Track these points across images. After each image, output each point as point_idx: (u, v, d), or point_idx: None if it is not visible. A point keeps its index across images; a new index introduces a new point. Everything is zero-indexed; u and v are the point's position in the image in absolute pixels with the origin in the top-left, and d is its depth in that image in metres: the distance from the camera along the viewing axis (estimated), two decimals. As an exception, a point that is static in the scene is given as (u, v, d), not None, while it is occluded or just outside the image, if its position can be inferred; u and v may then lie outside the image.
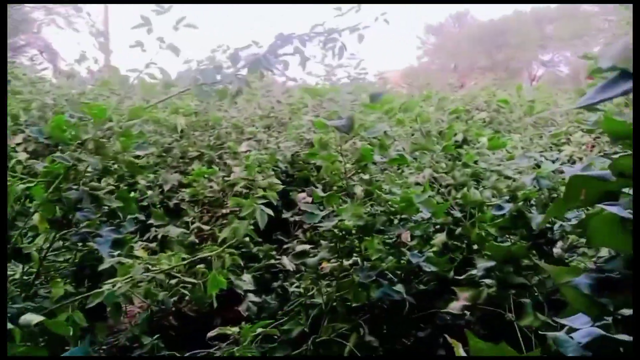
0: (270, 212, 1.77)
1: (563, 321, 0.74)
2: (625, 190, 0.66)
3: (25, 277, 2.04)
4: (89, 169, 2.11)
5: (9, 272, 2.07)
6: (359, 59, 7.58)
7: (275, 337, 1.91)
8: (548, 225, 1.58)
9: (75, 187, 2.03)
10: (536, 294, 1.61)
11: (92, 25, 10.48)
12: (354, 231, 1.85)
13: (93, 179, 2.15)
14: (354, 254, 1.94)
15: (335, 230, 1.84)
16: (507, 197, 2.19)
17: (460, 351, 0.65)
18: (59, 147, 2.81)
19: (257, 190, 1.88)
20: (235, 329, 1.27)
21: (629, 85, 0.61)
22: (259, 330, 1.28)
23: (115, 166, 2.30)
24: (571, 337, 0.69)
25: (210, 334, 1.42)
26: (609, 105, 1.51)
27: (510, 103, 4.09)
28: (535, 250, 1.61)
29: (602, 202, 0.65)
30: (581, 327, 0.70)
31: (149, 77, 2.07)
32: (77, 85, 5.81)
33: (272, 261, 2.70)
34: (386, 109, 3.21)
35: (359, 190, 2.15)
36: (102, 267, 1.68)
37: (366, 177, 2.16)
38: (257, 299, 2.19)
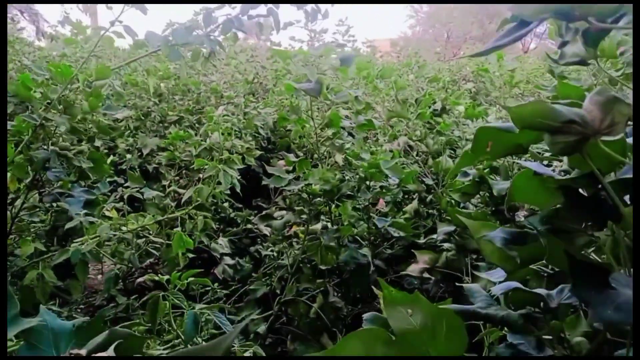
0: (235, 174, 1.78)
1: (482, 275, 0.77)
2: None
3: (-2, 237, 2.05)
4: (59, 129, 2.10)
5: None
6: (347, 25, 7.48)
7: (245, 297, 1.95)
8: (510, 191, 1.61)
9: (45, 147, 2.03)
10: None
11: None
12: (319, 196, 1.88)
13: (64, 139, 2.14)
14: (324, 218, 1.97)
15: (303, 194, 1.86)
16: (481, 166, 2.22)
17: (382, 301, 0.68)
18: (29, 108, 2.78)
19: (224, 153, 1.88)
20: (165, 277, 1.30)
21: (520, 32, 0.62)
22: (190, 279, 1.31)
23: (94, 129, 2.29)
24: (488, 291, 0.72)
25: (139, 280, 1.45)
26: (573, 73, 1.52)
27: (491, 73, 4.09)
28: (497, 217, 1.64)
29: (509, 155, 0.67)
30: (498, 281, 0.73)
31: (116, 36, 2.03)
32: (61, 48, 5.69)
33: (249, 226, 2.72)
34: (364, 75, 3.19)
35: (339, 157, 2.16)
36: (68, 225, 1.69)
37: (338, 142, 2.16)
38: (232, 262, 2.23)
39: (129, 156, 3.11)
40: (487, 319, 0.67)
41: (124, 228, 1.81)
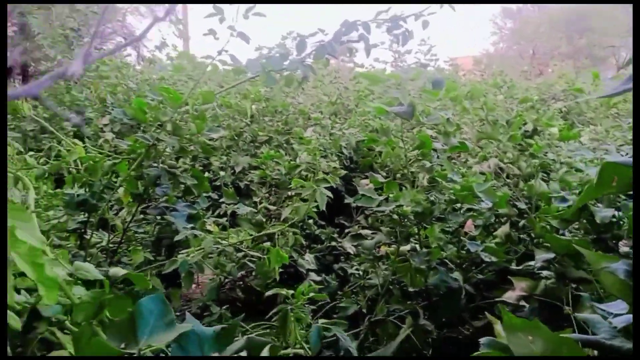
0: (330, 195, 1.85)
1: (601, 306, 0.75)
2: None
3: (110, 245, 2.27)
4: (168, 149, 2.30)
5: (96, 240, 2.31)
6: (429, 45, 7.46)
7: (334, 315, 2.01)
8: (614, 219, 1.54)
9: (155, 164, 2.23)
10: (600, 289, 1.58)
11: (172, 14, 11.01)
12: (412, 217, 1.89)
13: (171, 157, 2.34)
14: (413, 240, 1.98)
15: (393, 215, 1.88)
16: (577, 191, 2.13)
17: (499, 327, 0.69)
18: (141, 128, 3.06)
19: (319, 174, 1.96)
20: (290, 291, 1.38)
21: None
22: (312, 294, 1.37)
23: (191, 147, 2.49)
24: (609, 322, 0.71)
25: (268, 293, 1.54)
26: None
27: (587, 93, 3.89)
28: (599, 245, 1.57)
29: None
30: (620, 313, 0.71)
31: (221, 64, 2.21)
32: (158, 71, 6.18)
33: (334, 244, 2.79)
34: (451, 96, 3.19)
35: (425, 178, 2.18)
36: (177, 237, 1.84)
37: (427, 164, 2.18)
38: (318, 278, 2.29)
39: (222, 173, 3.30)
40: (611, 350, 0.66)
41: (224, 242, 1.93)
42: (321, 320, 1.23)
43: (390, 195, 2.02)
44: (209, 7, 2.57)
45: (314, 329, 1.13)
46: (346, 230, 3.01)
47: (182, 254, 1.79)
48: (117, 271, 1.17)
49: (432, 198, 2.04)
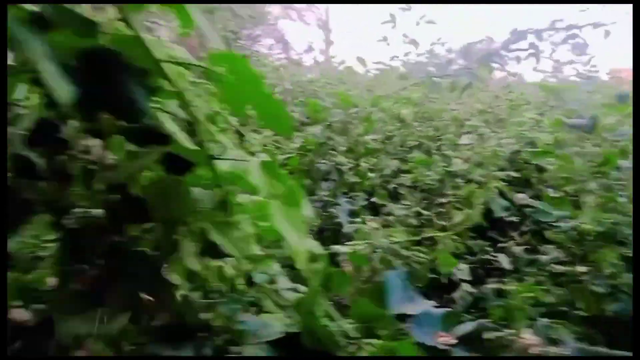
0: (506, 203, 1.82)
1: None
2: None
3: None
4: (334, 147, 2.44)
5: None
6: (589, 55, 6.84)
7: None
8: None
9: (323, 161, 2.38)
10: None
11: (319, 19, 11.57)
12: (591, 237, 1.78)
13: (335, 155, 2.48)
14: (587, 262, 1.86)
15: (573, 233, 1.79)
16: None
17: None
18: (298, 127, 3.26)
19: (490, 182, 1.93)
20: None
21: None
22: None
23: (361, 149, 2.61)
24: None
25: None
26: None
27: None
28: None
29: None
30: None
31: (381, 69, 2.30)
32: (306, 74, 6.54)
33: (488, 257, 2.71)
34: (628, 112, 2.93)
35: (590, 197, 2.04)
36: (345, 229, 1.94)
37: (608, 182, 2.03)
38: (472, 290, 2.25)
39: (371, 175, 3.38)
40: None
41: (383, 240, 1.99)
42: (544, 319, 1.22)
43: (564, 211, 1.93)
44: (348, 13, 2.73)
45: (539, 326, 1.12)
46: (499, 245, 2.90)
47: (348, 245, 1.88)
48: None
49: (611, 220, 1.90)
